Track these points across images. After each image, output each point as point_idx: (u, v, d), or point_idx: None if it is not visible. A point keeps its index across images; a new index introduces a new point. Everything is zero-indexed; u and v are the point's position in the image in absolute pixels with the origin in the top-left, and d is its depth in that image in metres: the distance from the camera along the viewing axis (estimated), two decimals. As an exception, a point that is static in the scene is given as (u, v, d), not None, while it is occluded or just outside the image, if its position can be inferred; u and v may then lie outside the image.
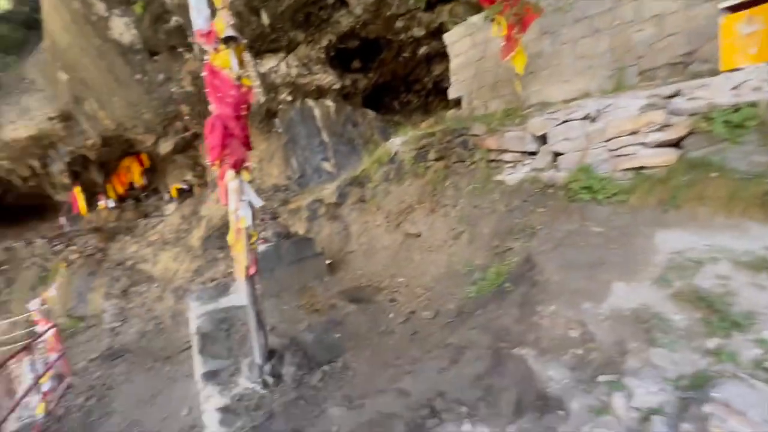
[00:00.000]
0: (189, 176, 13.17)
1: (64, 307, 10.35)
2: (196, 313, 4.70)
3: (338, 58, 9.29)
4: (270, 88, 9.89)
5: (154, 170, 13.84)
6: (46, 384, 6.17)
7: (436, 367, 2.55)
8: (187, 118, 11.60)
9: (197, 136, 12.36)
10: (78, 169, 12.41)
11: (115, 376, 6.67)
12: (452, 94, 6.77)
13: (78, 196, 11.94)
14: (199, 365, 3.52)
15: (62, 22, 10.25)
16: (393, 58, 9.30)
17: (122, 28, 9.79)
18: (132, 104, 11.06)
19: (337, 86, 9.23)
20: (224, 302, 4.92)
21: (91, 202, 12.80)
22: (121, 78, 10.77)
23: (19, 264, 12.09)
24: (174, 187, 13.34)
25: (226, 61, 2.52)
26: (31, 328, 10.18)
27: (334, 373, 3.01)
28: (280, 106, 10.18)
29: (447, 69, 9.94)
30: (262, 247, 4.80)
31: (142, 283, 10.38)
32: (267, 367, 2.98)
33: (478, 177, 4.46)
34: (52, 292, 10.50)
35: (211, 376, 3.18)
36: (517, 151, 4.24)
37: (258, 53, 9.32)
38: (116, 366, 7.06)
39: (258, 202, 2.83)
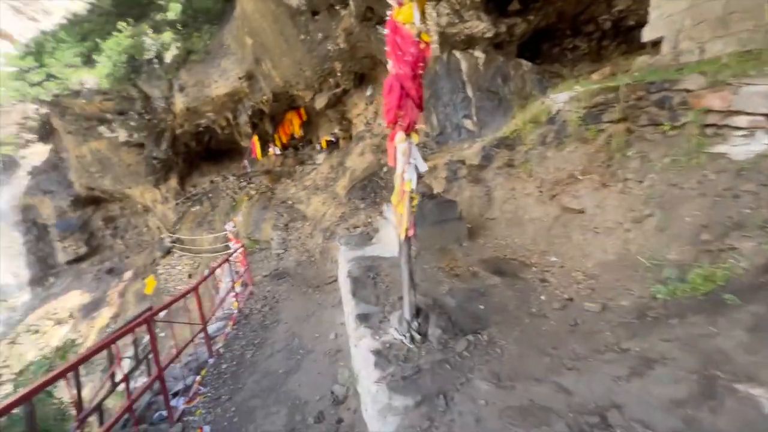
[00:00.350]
0: (336, 129, 14.34)
1: (246, 230, 13.04)
2: (345, 257, 5.20)
3: (494, 1, 8.21)
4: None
5: (309, 123, 15.53)
6: (238, 288, 8.01)
7: (610, 374, 2.17)
8: (339, 75, 12.37)
9: (346, 92, 13.18)
10: (256, 121, 14.83)
11: (281, 292, 8.18)
12: (648, 34, 5.25)
13: (256, 143, 14.35)
14: (351, 306, 3.89)
15: (249, -10, 11.68)
16: (563, -6, 7.72)
17: (292, -9, 10.58)
18: (296, 63, 12.28)
19: (489, 34, 8.27)
20: (369, 251, 5.30)
21: (264, 149, 15.30)
22: (289, 39, 11.92)
23: (219, 194, 15.63)
24: (324, 139, 14.77)
25: (409, 15, 2.35)
26: (226, 243, 13.27)
27: (480, 344, 2.91)
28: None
29: (636, 1, 7.79)
30: None
31: (298, 220, 12.19)
32: (414, 324, 3.07)
33: (682, 147, 3.41)
34: (239, 218, 13.33)
35: (363, 318, 3.47)
36: (761, 114, 3.02)
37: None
38: (281, 285, 8.63)
39: (423, 167, 2.75)
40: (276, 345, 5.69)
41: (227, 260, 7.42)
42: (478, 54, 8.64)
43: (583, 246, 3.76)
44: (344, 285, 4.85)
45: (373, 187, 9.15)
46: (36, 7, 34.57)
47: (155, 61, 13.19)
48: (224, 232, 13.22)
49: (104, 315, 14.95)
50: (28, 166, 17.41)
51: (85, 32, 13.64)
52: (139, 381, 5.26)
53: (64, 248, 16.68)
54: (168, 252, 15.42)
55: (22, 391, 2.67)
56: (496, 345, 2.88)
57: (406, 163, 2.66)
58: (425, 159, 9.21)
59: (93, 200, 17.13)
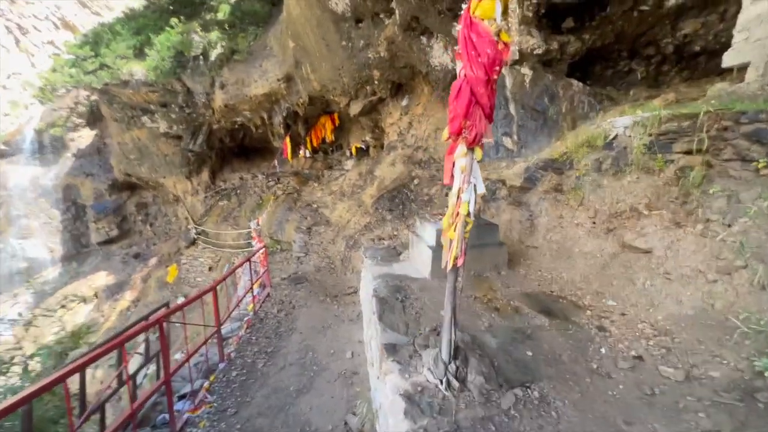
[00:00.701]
0: (368, 137, 14.09)
1: (269, 230, 12.88)
2: (371, 273, 4.79)
3: (547, 16, 7.74)
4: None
5: (342, 128, 15.39)
6: (256, 289, 7.74)
7: (716, 477, 1.65)
8: (376, 83, 12.14)
9: (382, 101, 12.93)
10: (290, 122, 14.81)
11: (298, 298, 7.84)
12: (731, 60, 4.65)
13: (287, 144, 14.30)
14: (377, 331, 3.47)
15: (296, -5, 11.69)
16: (624, 12, 7.15)
17: (339, -3, 10.48)
18: (335, 68, 12.15)
19: (539, 51, 7.78)
20: (397, 269, 4.87)
21: (295, 151, 15.24)
22: (330, 45, 11.82)
23: (247, 191, 15.65)
24: (354, 145, 14.55)
25: (489, 10, 1.96)
26: (249, 240, 13.16)
27: (530, 402, 2.41)
28: (468, 74, 9.37)
29: (704, 26, 7.14)
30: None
31: (321, 224, 11.93)
32: (452, 367, 2.60)
33: (785, 189, 2.84)
34: (263, 217, 13.21)
35: (391, 349, 3.03)
36: None
37: (455, 16, 8.65)
38: (299, 290, 8.30)
39: (482, 189, 2.32)
40: (289, 357, 5.32)
41: (248, 260, 7.16)
42: (525, 71, 8.15)
43: (651, 293, 3.20)
44: (368, 304, 4.44)
45: (401, 199, 8.75)
46: (101, 2, 36.77)
47: (200, 58, 13.42)
48: (248, 230, 13.13)
49: (126, 298, 15.13)
50: (74, 149, 18.10)
51: (140, 26, 14.09)
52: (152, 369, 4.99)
53: (97, 229, 17.12)
54: (192, 243, 15.51)
55: (21, 394, 2.40)
56: (550, 406, 2.37)
57: (465, 182, 2.24)
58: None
59: (129, 186, 17.57)
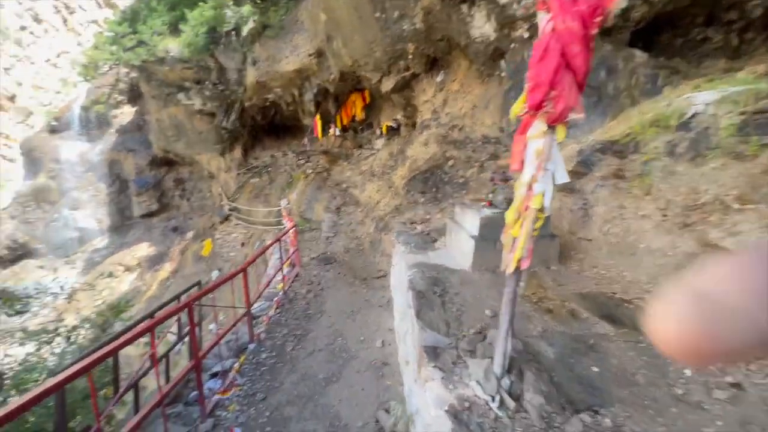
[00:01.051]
0: (399, 115, 13.46)
1: (299, 209, 12.79)
2: (405, 261, 4.42)
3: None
4: (505, 22, 8.31)
5: (372, 106, 14.80)
6: (286, 269, 7.63)
7: None
8: (410, 57, 11.39)
9: (415, 77, 12.18)
10: (320, 100, 14.40)
11: (327, 279, 7.67)
12: None
13: (318, 122, 13.95)
14: (414, 328, 3.13)
15: (329, -37, 11.00)
16: (706, -30, 6.05)
17: (373, -37, 9.73)
18: (368, 42, 11.48)
19: (598, 17, 6.81)
20: (433, 258, 4.47)
21: (325, 129, 14.88)
22: (363, 16, 11.13)
23: (278, 168, 15.58)
24: (385, 124, 13.97)
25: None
26: (279, 219, 13.15)
27: (600, 432, 1.99)
28: (513, 45, 8.53)
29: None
30: (486, 212, 3.97)
31: (350, 204, 11.66)
32: (506, 382, 2.22)
33: None
34: (293, 195, 13.11)
35: (431, 353, 2.69)
36: None
37: (503, -21, 7.74)
38: (327, 271, 8.13)
39: (564, 178, 1.85)
40: (318, 341, 5.15)
41: (279, 239, 7.01)
42: (580, 41, 7.21)
43: (746, 304, 2.64)
44: (402, 294, 4.10)
45: (435, 182, 8.24)
46: (139, -20, 37.07)
47: (233, 33, 13.12)
48: (279, 208, 13.10)
49: (166, 269, 15.78)
50: (116, 125, 18.68)
51: (175, 1, 13.90)
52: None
53: (139, 203, 17.81)
54: (226, 219, 15.79)
55: (52, 381, 2.28)
56: (627, 439, 1.95)
57: (540, 169, 1.77)
58: (498, 156, 8.07)
59: (167, 162, 18.01)
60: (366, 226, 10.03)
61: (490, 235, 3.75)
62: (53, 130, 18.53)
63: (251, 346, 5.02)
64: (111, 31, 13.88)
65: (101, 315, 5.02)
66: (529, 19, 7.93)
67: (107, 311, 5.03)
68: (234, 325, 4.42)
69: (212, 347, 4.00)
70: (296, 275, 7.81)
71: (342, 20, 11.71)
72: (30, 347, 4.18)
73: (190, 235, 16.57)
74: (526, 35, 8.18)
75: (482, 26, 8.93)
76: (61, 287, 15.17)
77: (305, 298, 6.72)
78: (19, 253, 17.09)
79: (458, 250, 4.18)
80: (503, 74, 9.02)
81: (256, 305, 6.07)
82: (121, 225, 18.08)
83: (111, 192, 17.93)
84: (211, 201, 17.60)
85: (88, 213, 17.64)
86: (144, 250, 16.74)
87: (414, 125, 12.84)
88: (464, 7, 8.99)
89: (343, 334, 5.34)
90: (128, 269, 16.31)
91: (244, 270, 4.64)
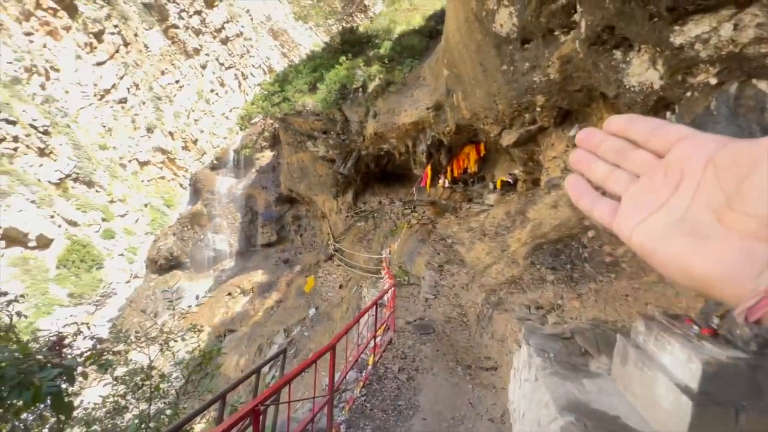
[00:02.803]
0: (518, 170, 12.08)
1: (399, 259, 12.15)
2: (550, 393, 3.00)
3: None
4: (680, 67, 6.53)
5: (486, 159, 13.79)
6: (379, 337, 6.76)
7: None
8: (538, 110, 10.22)
9: (542, 130, 10.83)
10: (432, 151, 14.10)
11: (423, 355, 6.53)
12: None
13: (428, 173, 13.54)
14: None
15: (456, 22, 10.97)
16: None
17: (505, 19, 9.21)
18: (490, 95, 10.81)
19: None
20: (593, 394, 2.96)
21: (434, 180, 14.37)
22: (488, 70, 10.61)
23: (383, 215, 15.54)
24: (499, 178, 12.73)
25: None
26: (378, 268, 12.70)
27: None
28: (688, 94, 6.62)
29: None
30: (713, 351, 2.39)
31: (455, 263, 10.47)
32: None
33: None
34: (395, 245, 12.59)
35: None
36: None
37: (680, 16, 6.15)
38: (424, 343, 7.00)
39: None
40: (408, 454, 3.99)
41: (376, 303, 6.24)
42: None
43: None
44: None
45: (569, 256, 6.54)
46: (296, 52, 45.60)
47: (360, 90, 14.12)
48: (379, 256, 12.72)
49: (272, 298, 16.82)
50: (258, 166, 21.86)
51: (316, 65, 15.92)
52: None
53: (262, 233, 19.98)
54: (330, 258, 16.24)
55: None
56: None
57: None
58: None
59: (290, 200, 20.02)
60: (471, 293, 8.67)
61: (722, 394, 2.18)
62: (214, 167, 22.77)
63: (330, 438, 4.14)
64: (265, 90, 16.55)
65: (192, 360, 4.88)
66: (718, 62, 6.05)
67: (199, 356, 4.87)
68: (313, 417, 3.62)
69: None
70: (389, 342, 6.89)
71: (465, 74, 11.42)
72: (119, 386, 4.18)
73: (297, 268, 17.53)
74: (712, 81, 6.24)
75: (642, 73, 7.29)
76: (197, 296, 17.26)
77: (396, 379, 5.67)
78: (172, 264, 20.65)
79: (647, 398, 2.62)
80: (672, 129, 7.04)
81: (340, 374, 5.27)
82: (246, 251, 20.40)
83: (243, 221, 20.62)
84: (321, 239, 18.56)
85: (224, 237, 20.50)
86: (259, 276, 18.32)
87: (534, 182, 11.28)
88: (617, 53, 7.54)
89: (440, 452, 4.06)
90: (243, 292, 17.94)
91: (332, 347, 3.90)
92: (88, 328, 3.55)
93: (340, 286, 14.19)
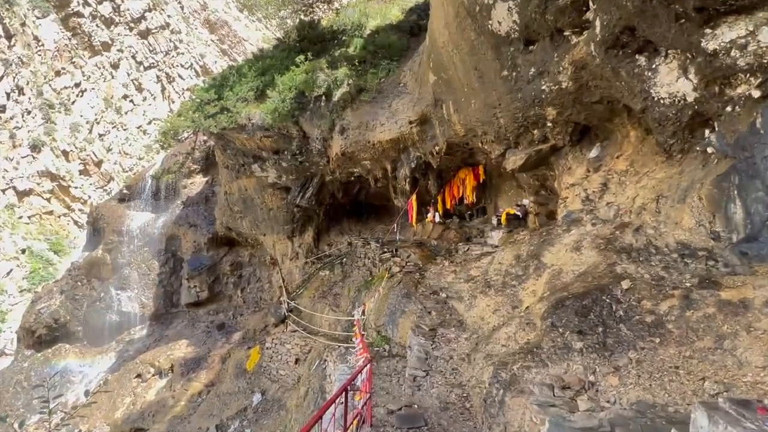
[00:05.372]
0: (527, 200, 12.45)
1: (377, 321, 11.90)
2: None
3: None
4: (715, 76, 7.12)
5: (486, 186, 14.19)
6: (350, 434, 6.38)
7: None
8: (549, 125, 10.75)
9: (555, 150, 11.34)
10: (418, 176, 14.39)
11: (411, 461, 6.19)
12: None
13: (413, 204, 13.73)
14: None
15: (445, 18, 11.66)
16: None
17: (503, 15, 9.88)
18: (489, 106, 11.32)
19: None
20: None
21: (421, 213, 14.54)
22: (485, 76, 11.18)
23: (355, 261, 15.39)
24: (505, 211, 13.04)
25: None
26: (348, 333, 12.36)
27: None
28: (728, 108, 7.19)
29: None
30: None
31: (451, 326, 10.37)
32: None
33: None
34: (371, 303, 12.37)
35: None
36: None
37: (710, 17, 6.80)
38: (413, 442, 6.68)
39: None
40: None
41: (345, 388, 5.95)
42: None
43: None
44: None
45: (600, 315, 6.58)
46: (239, 49, 46.76)
47: (322, 98, 14.45)
48: (351, 318, 12.43)
49: (201, 380, 15.92)
50: (185, 196, 21.48)
51: (266, 67, 16.28)
52: None
53: (189, 288, 19.26)
54: (282, 321, 15.75)
55: None
56: None
57: None
58: (716, 283, 6.25)
59: (227, 241, 19.63)
60: (475, 367, 8.54)
61: None
62: (122, 199, 22.17)
63: None
64: (197, 97, 16.62)
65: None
66: (760, 71, 6.64)
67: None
68: None
69: None
70: (364, 442, 6.52)
71: (456, 81, 11.93)
72: None
73: (236, 336, 16.86)
74: (755, 93, 6.80)
75: (672, 82, 7.90)
76: (86, 391, 16.17)
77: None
78: (56, 334, 19.30)
79: None
80: (712, 150, 7.58)
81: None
82: (165, 313, 19.51)
83: (162, 272, 19.86)
84: (269, 295, 18.11)
85: (133, 295, 19.55)
86: (182, 349, 17.42)
87: (549, 215, 11.62)
88: (641, 59, 8.16)
89: None
90: (160, 372, 16.90)
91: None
92: None
93: (296, 361, 13.65)
